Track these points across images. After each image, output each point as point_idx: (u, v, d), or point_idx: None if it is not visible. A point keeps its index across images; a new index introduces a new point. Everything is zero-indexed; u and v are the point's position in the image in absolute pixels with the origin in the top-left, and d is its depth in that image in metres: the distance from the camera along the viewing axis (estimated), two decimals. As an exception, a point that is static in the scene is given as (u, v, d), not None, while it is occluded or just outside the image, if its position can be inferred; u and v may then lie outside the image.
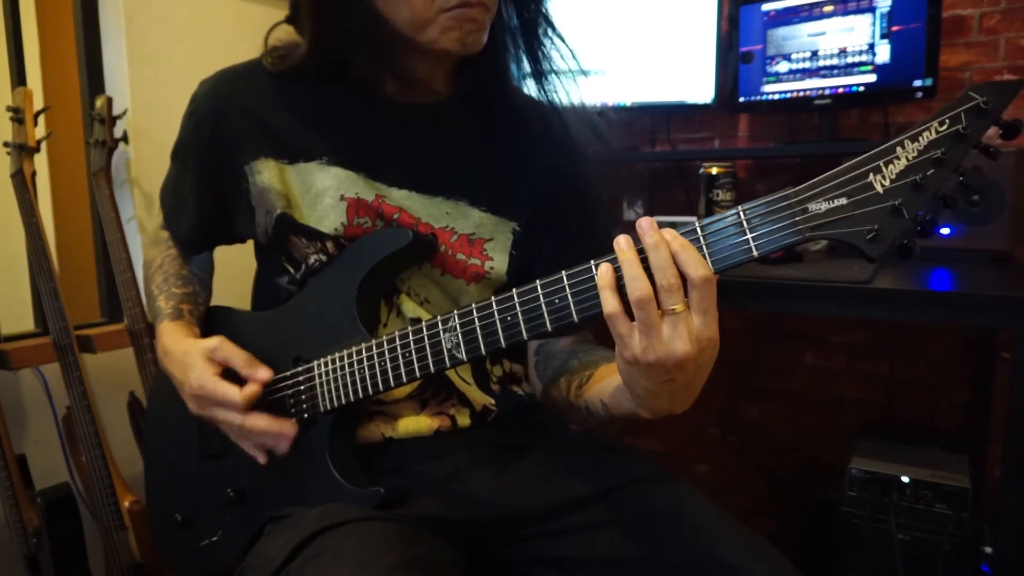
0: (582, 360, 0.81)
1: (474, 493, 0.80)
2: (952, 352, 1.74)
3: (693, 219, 0.59)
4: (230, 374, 0.78)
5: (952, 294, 1.11)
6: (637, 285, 0.56)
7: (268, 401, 0.80)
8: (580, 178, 0.86)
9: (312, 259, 0.82)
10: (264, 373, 0.78)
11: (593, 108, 0.86)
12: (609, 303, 0.57)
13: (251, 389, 0.76)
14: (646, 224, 0.57)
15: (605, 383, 0.72)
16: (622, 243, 0.58)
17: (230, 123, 0.83)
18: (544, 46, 0.82)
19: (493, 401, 0.85)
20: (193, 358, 0.78)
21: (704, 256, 0.56)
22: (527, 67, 0.83)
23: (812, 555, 1.65)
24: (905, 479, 1.41)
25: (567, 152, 0.85)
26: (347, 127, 0.83)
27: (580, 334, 0.89)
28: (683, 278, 0.56)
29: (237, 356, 0.78)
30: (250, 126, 0.82)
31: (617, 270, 0.58)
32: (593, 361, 0.80)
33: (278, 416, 0.77)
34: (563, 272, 0.62)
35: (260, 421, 0.76)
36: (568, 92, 0.84)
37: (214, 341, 0.79)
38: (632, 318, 0.57)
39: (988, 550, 1.45)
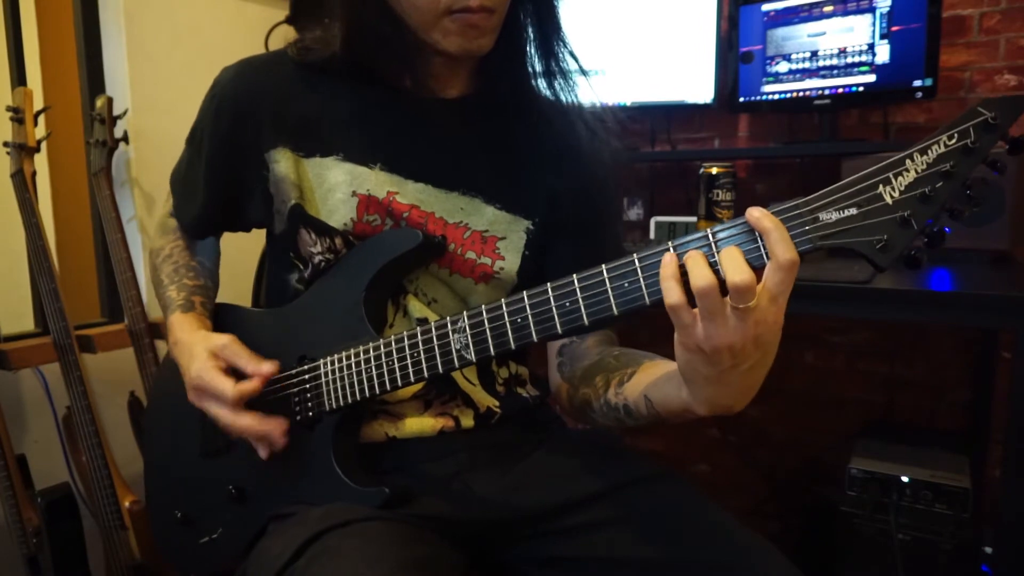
0: (620, 359, 0.80)
1: (477, 493, 0.80)
2: (952, 352, 1.74)
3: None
4: (239, 373, 0.77)
5: (952, 294, 1.11)
6: (700, 274, 0.55)
7: (272, 399, 0.80)
8: (594, 183, 0.86)
9: (318, 258, 0.82)
10: (267, 367, 0.77)
11: (606, 111, 0.86)
12: (672, 294, 0.56)
13: (247, 385, 0.75)
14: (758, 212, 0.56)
15: (653, 381, 0.70)
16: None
17: (253, 109, 0.83)
18: (557, 48, 0.83)
19: (497, 403, 0.85)
20: (199, 350, 0.78)
21: (715, 264, 0.56)
22: (539, 67, 0.83)
23: (812, 555, 1.65)
24: (905, 479, 1.41)
25: (583, 156, 0.85)
26: (367, 120, 0.83)
27: (603, 333, 0.88)
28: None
29: (242, 355, 0.77)
30: (272, 114, 0.82)
31: (682, 265, 0.57)
32: (635, 359, 0.78)
33: (275, 415, 0.77)
34: (574, 276, 0.62)
35: (246, 420, 0.75)
36: (581, 95, 0.84)
37: (224, 339, 0.78)
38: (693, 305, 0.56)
39: (988, 550, 1.46)
